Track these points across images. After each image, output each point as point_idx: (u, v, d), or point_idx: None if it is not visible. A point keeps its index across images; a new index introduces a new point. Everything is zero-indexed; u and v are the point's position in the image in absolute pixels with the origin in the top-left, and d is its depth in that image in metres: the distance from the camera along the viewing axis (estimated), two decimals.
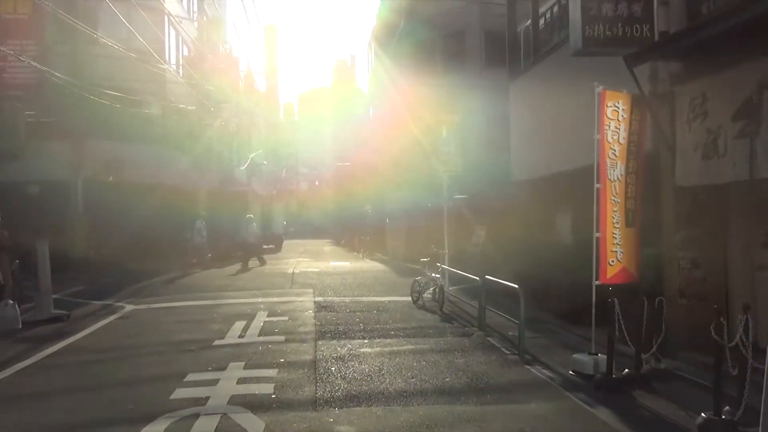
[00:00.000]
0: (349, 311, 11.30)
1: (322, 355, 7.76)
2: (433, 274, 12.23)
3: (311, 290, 14.30)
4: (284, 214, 63.46)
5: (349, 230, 38.03)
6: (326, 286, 15.18)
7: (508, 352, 7.95)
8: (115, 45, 18.92)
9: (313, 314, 10.94)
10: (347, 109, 68.23)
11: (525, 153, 13.50)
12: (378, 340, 8.74)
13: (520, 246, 13.35)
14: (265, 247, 37.93)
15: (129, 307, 12.09)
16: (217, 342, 8.62)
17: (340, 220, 47.52)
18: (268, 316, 10.73)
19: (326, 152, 77.19)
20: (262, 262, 21.23)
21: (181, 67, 25.66)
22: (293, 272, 18.71)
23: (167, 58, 23.95)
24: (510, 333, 8.99)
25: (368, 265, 22.02)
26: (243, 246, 22.45)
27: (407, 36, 26.68)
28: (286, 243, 43.50)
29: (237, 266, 21.24)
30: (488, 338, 8.89)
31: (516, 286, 8.10)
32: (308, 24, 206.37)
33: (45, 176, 21.16)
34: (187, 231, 24.62)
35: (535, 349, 7.98)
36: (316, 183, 76.23)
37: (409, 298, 12.51)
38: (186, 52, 27.30)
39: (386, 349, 8.12)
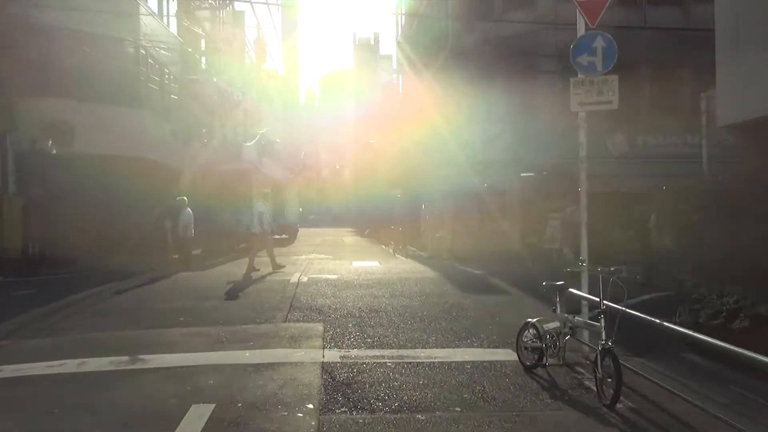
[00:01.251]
0: (399, 405, 4.77)
1: None
2: (578, 318, 5.66)
3: (320, 326, 7.79)
4: (302, 201, 57.41)
5: (375, 218, 31.55)
6: (347, 313, 8.67)
7: None
8: None
9: (315, 423, 4.45)
10: (370, 90, 61.82)
11: None
12: None
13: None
14: (276, 237, 31.68)
15: None
16: None
17: (364, 206, 40.96)
18: (205, 429, 4.29)
19: (348, 137, 70.85)
20: (276, 267, 14.32)
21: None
22: (298, 281, 12.21)
23: None
24: None
25: (405, 267, 15.49)
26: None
27: None
28: (302, 232, 37.16)
29: (227, 267, 14.91)
30: None
31: None
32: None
33: None
34: (167, 219, 18.34)
35: None
36: (337, 167, 69.90)
37: (512, 354, 6.03)
38: None
39: None
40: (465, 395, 5.04)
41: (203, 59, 22.08)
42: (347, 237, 34.30)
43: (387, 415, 4.56)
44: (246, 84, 30.15)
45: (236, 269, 14.43)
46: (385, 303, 9.45)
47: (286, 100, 62.88)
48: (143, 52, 17.73)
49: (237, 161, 25.35)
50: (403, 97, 31.14)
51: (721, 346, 4.12)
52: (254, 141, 30.62)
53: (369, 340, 7.03)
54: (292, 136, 66.35)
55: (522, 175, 17.07)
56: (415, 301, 9.67)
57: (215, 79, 21.66)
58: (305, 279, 12.55)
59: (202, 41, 20.24)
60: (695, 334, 4.57)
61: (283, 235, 31.56)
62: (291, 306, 9.23)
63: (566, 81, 17.94)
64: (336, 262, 16.90)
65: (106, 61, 16.56)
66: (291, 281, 12.19)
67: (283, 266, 14.59)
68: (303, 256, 19.27)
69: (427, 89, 24.18)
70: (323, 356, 6.26)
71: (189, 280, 12.80)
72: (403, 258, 18.86)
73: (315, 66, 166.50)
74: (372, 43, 75.72)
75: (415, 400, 4.91)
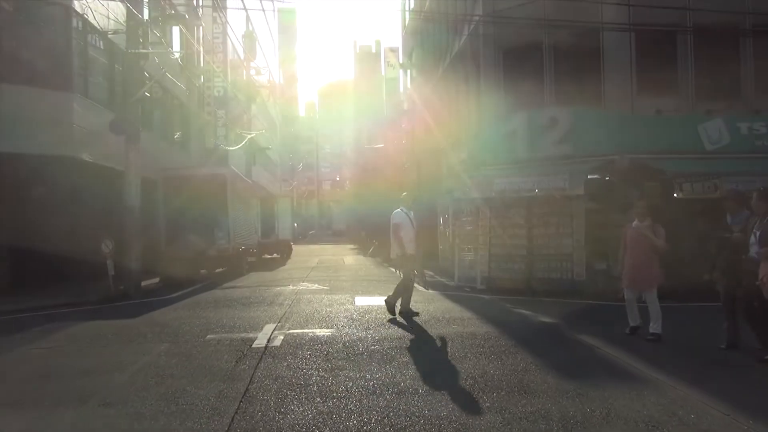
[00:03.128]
0: None
1: None
2: None
3: None
4: (301, 215, 52.30)
5: (380, 234, 26.48)
6: None
7: None
8: None
9: None
10: (372, 99, 57.38)
11: None
12: None
13: None
14: (267, 257, 26.73)
15: None
16: None
17: (367, 221, 35.78)
18: None
19: (349, 149, 66.31)
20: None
21: None
22: (266, 347, 7.15)
23: None
24: None
25: (432, 309, 10.38)
26: None
27: None
28: (297, 250, 32.19)
29: (164, 312, 9.93)
30: None
31: None
32: (329, 5, 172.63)
33: None
34: (105, 242, 13.34)
35: None
36: (337, 178, 65.24)
37: None
38: None
39: None
40: None
41: (175, 32, 17.25)
42: (348, 256, 29.25)
43: None
44: (231, 79, 25.35)
45: (172, 317, 9.41)
46: None
47: (284, 110, 58.35)
48: (75, 13, 12.91)
49: (214, 165, 20.44)
50: (414, 87, 26.36)
51: None
52: (240, 145, 25.79)
53: None
54: (290, 146, 61.69)
55: (589, 177, 12.12)
56: (487, 424, 4.59)
57: (175, 57, 16.79)
58: (279, 339, 7.50)
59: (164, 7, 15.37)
60: None
61: (274, 255, 26.61)
62: None
63: (644, 39, 11.70)
64: (333, 298, 11.89)
65: (18, 23, 11.80)
66: (254, 346, 7.13)
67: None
68: (290, 287, 14.27)
69: (446, 72, 19.36)
70: None
71: (80, 345, 7.76)
72: (422, 288, 13.80)
73: (314, 80, 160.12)
74: (373, 51, 71.46)
75: None
